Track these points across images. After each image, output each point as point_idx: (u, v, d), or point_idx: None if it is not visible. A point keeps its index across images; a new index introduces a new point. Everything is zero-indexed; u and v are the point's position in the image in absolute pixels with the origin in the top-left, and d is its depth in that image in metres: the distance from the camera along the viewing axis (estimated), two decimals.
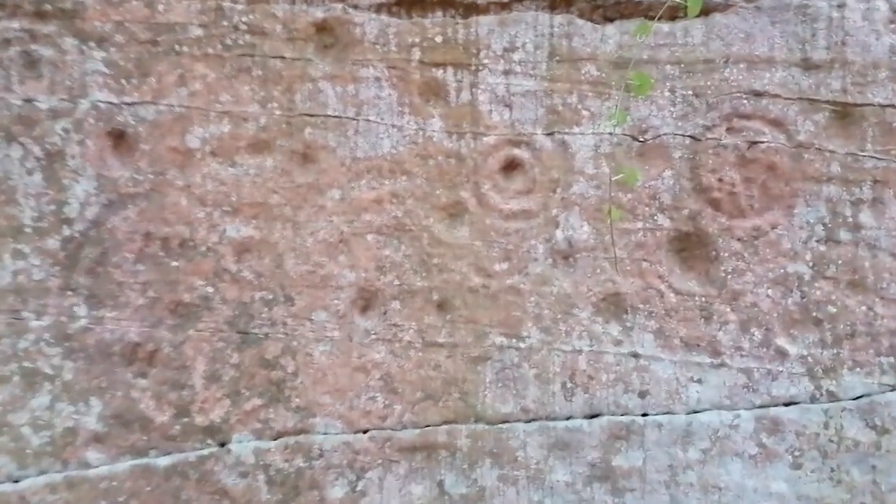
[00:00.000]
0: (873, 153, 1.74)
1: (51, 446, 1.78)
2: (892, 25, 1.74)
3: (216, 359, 1.84)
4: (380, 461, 1.83)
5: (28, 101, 1.78)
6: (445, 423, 1.84)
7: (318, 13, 1.82)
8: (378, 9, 1.82)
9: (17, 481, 1.76)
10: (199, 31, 1.81)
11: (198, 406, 1.84)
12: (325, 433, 1.84)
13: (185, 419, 1.84)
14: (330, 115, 1.83)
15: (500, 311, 1.82)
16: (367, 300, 1.86)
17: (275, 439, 1.84)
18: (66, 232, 1.79)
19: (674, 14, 1.75)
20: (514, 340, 1.82)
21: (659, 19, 1.67)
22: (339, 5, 1.81)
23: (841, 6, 1.74)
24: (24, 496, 1.75)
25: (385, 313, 1.85)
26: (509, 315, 1.82)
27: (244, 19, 1.81)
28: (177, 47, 1.81)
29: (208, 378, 1.84)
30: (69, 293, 1.79)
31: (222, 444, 1.84)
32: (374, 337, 1.85)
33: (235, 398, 1.84)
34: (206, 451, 1.83)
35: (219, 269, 1.84)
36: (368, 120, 1.82)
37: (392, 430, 1.85)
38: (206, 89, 1.82)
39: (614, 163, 1.77)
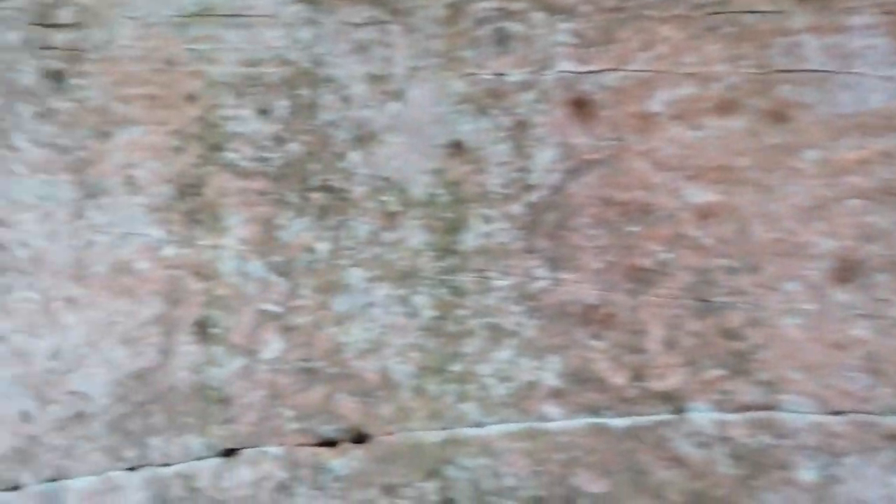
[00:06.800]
0: None
1: (512, 398, 1.90)
2: None
3: (673, 325, 1.82)
4: (858, 447, 1.68)
5: (498, 74, 1.90)
6: None
7: None
8: None
9: (480, 426, 1.92)
10: None
11: (653, 371, 1.84)
12: (795, 411, 1.73)
13: (641, 383, 1.84)
14: (808, 70, 1.69)
15: None
16: (846, 271, 1.70)
17: (736, 412, 1.77)
18: (530, 198, 1.89)
19: None
20: None
21: None
22: None
23: None
24: (487, 442, 1.90)
25: (868, 286, 1.68)
26: None
27: None
28: (643, 12, 1.80)
29: (665, 344, 1.83)
30: (531, 255, 1.89)
31: (678, 412, 1.82)
32: (854, 312, 1.69)
33: (693, 367, 1.81)
34: (661, 417, 1.82)
35: (678, 234, 1.81)
36: (855, 73, 1.66)
37: (874, 414, 1.67)
38: (672, 52, 1.79)
39: None
